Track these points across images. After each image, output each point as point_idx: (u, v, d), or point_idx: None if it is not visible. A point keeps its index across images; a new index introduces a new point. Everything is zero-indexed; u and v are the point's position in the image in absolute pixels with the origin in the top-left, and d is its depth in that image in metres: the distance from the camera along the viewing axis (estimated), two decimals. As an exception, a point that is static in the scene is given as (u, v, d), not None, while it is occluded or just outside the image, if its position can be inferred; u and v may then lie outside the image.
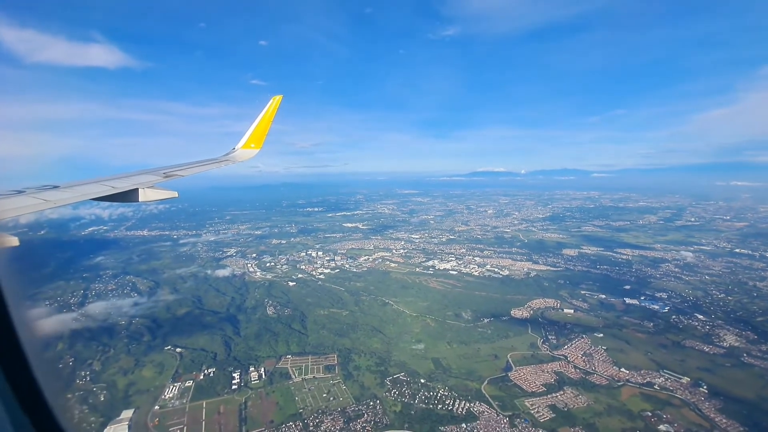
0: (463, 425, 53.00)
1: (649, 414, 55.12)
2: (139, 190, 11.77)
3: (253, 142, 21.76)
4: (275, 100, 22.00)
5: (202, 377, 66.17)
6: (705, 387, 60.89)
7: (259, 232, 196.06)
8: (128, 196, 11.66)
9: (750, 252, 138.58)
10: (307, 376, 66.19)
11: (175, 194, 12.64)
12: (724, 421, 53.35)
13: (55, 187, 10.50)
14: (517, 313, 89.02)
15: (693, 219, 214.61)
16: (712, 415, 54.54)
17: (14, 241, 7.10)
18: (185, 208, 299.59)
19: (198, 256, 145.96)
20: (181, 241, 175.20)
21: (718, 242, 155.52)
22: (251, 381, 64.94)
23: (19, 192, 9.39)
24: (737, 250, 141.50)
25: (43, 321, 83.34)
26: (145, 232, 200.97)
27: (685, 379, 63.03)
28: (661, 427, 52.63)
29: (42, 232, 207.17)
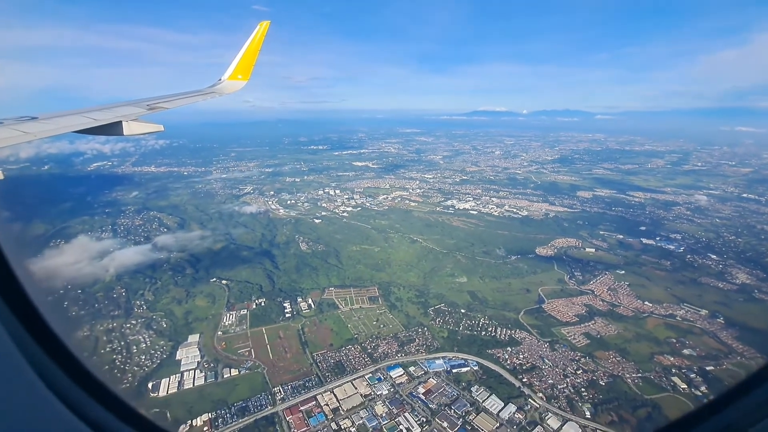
0: (509, 348, 58.29)
1: (674, 341, 60.77)
2: (123, 122, 11.40)
3: (240, 72, 20.61)
4: (262, 26, 20.52)
5: (254, 306, 70.23)
6: (722, 318, 66.42)
7: (269, 170, 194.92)
8: (112, 129, 11.28)
9: (756, 197, 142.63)
10: (354, 306, 70.61)
11: (161, 128, 12.35)
12: (741, 347, 59.13)
13: (34, 118, 10.14)
14: (541, 251, 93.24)
15: (699, 164, 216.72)
16: (729, 342, 60.29)
17: None
18: (186, 144, 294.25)
19: (215, 193, 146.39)
20: (194, 178, 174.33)
21: (726, 187, 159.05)
22: (302, 310, 69.22)
23: None
24: (744, 195, 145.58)
25: (118, 252, 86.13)
26: (153, 168, 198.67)
27: (704, 312, 68.44)
28: (685, 351, 58.43)
29: (46, 167, 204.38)
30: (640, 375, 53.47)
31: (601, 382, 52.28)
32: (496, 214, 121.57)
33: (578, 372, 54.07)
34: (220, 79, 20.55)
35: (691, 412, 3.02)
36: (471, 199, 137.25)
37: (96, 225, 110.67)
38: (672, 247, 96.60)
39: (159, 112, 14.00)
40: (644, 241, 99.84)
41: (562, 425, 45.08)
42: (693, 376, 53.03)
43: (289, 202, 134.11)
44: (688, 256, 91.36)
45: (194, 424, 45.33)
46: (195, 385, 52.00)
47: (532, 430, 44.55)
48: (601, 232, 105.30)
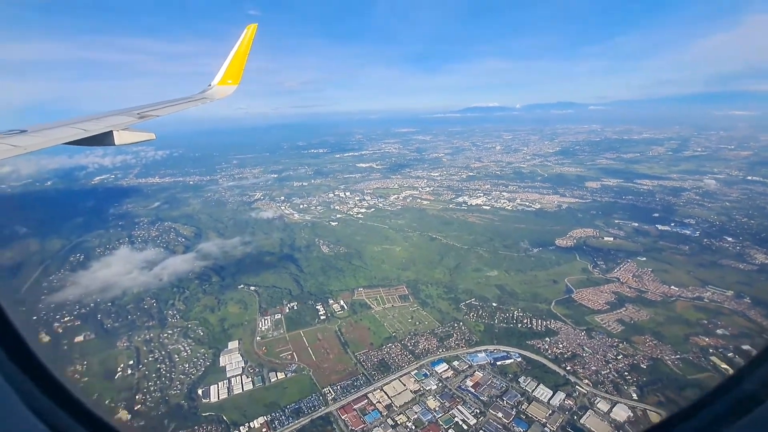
0: (547, 339, 59.26)
1: (706, 322, 62.04)
2: (114, 132, 11.27)
3: (230, 77, 20.40)
4: (249, 30, 20.38)
5: (287, 311, 70.84)
6: (748, 298, 67.76)
7: (275, 176, 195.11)
8: (103, 140, 11.17)
9: (762, 179, 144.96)
10: (386, 306, 71.32)
11: (152, 136, 12.31)
12: (771, 325, 60.56)
13: (23, 131, 10.00)
14: (561, 242, 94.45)
15: (699, 149, 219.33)
16: (759, 320, 61.74)
17: None
18: (185, 153, 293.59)
19: (226, 201, 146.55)
20: (201, 187, 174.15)
21: (730, 171, 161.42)
22: (336, 312, 69.86)
23: None
24: (749, 178, 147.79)
25: (168, 261, 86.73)
26: (157, 179, 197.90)
27: (729, 292, 69.73)
28: (718, 331, 59.70)
29: (49, 183, 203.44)
30: (678, 356, 54.66)
31: (642, 366, 53.49)
32: (509, 208, 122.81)
33: (619, 357, 55.21)
34: (210, 85, 20.46)
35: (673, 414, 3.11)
36: (482, 194, 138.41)
37: (112, 238, 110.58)
38: (688, 231, 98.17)
39: (150, 121, 13.92)
40: (660, 227, 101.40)
41: (611, 408, 46.13)
42: (730, 354, 54.33)
43: (301, 206, 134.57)
44: (705, 240, 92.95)
45: (252, 426, 45.95)
46: (244, 389, 52.60)
47: (584, 414, 45.54)
48: (616, 221, 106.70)
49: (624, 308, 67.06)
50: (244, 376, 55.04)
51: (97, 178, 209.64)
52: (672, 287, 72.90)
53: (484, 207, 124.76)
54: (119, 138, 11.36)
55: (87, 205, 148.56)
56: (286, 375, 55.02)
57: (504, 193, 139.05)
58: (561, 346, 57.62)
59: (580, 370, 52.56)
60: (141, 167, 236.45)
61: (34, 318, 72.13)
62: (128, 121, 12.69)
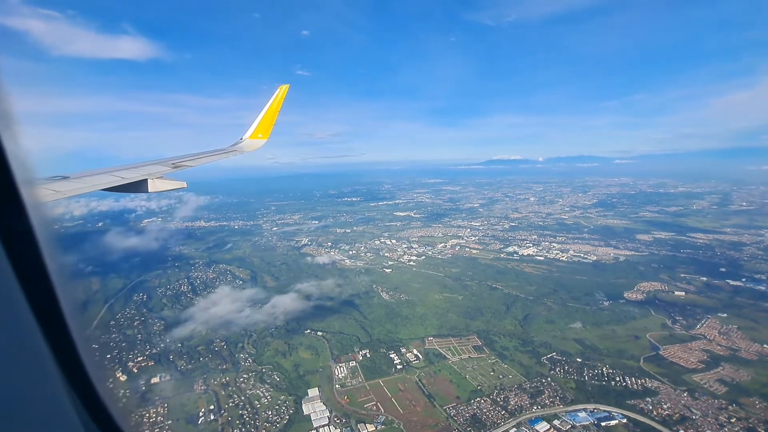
0: (648, 399, 55.76)
1: (818, 386, 57.48)
2: (148, 180, 11.81)
3: (261, 132, 21.69)
4: (282, 90, 21.86)
5: (361, 358, 69.48)
6: None
7: (316, 223, 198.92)
8: (137, 187, 11.68)
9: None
10: (462, 356, 69.14)
11: (184, 184, 12.76)
12: None
13: (65, 177, 10.43)
14: (630, 296, 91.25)
15: (744, 203, 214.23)
16: None
17: None
18: (224, 199, 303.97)
19: (274, 246, 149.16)
20: (246, 232, 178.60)
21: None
22: (411, 361, 68.08)
23: None
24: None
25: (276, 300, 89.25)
26: (203, 223, 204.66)
27: (829, 353, 65.11)
28: (837, 398, 55.00)
29: (100, 224, 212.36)
30: (795, 421, 50.40)
31: (760, 430, 49.41)
32: (564, 259, 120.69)
33: (732, 420, 51.22)
34: (242, 138, 21.55)
35: None
36: (531, 245, 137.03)
37: (172, 278, 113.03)
38: (762, 287, 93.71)
39: (183, 170, 14.51)
40: (731, 282, 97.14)
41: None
42: None
43: (350, 252, 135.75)
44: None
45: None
46: (336, 441, 50.66)
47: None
48: (682, 275, 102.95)
49: (721, 367, 63.04)
50: (332, 427, 53.22)
51: (146, 220, 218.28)
52: (765, 346, 68.60)
53: (537, 257, 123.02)
54: (153, 186, 11.86)
55: (141, 246, 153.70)
56: (375, 427, 52.94)
57: (554, 244, 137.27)
58: (666, 407, 53.99)
59: (696, 436, 48.83)
60: (186, 211, 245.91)
61: (108, 356, 72.92)
62: (163, 170, 13.29)
